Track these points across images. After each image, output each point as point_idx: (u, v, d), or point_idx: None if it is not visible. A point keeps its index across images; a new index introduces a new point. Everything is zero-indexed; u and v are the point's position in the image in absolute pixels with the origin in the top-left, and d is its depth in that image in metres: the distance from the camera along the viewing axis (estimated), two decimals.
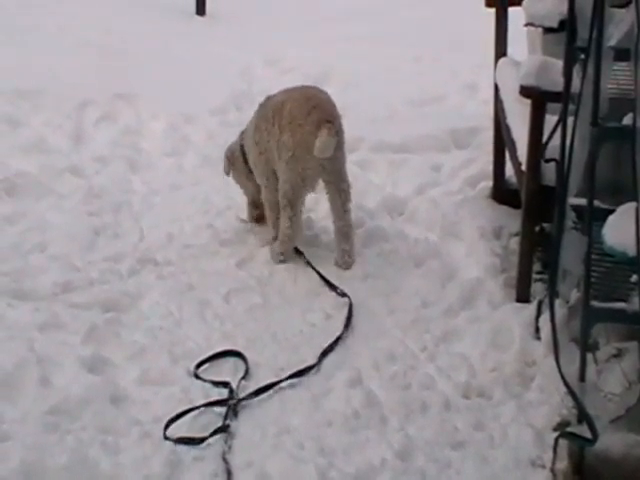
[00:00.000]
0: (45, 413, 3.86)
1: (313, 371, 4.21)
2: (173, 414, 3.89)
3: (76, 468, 3.63)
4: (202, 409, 3.98)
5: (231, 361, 4.29)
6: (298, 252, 5.07)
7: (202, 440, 3.81)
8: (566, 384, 3.52)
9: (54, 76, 6.93)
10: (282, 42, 7.84)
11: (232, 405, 3.97)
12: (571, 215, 3.94)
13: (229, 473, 3.65)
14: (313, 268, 4.92)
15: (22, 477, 3.56)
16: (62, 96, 6.64)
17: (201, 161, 6.03)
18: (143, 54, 7.56)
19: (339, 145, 4.97)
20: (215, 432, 3.84)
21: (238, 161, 5.30)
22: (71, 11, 8.45)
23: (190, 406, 3.96)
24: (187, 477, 3.66)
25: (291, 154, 4.94)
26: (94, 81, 6.90)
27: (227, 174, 5.39)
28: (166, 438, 3.81)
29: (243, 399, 4.04)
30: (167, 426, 3.85)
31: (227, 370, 4.23)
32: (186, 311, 4.62)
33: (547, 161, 4.41)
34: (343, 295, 4.71)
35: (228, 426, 3.87)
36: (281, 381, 4.14)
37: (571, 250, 3.90)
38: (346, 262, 4.99)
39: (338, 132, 4.95)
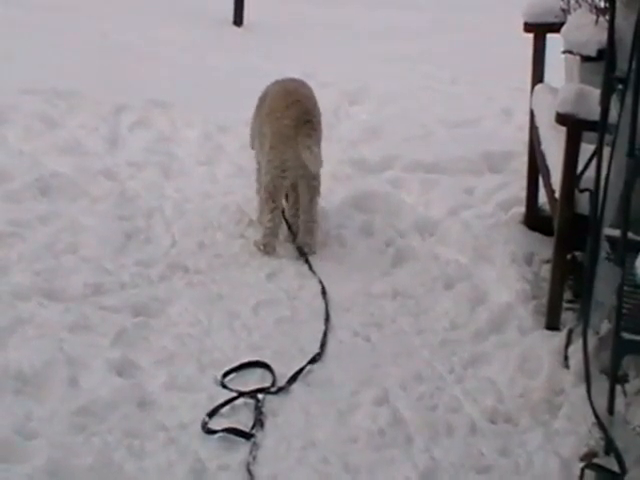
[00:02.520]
0: (72, 413, 3.88)
1: (339, 387, 4.21)
2: (210, 409, 3.96)
3: (101, 470, 3.64)
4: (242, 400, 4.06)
5: (258, 372, 4.29)
6: (302, 254, 5.13)
7: (250, 435, 3.85)
8: (595, 415, 3.51)
9: (92, 78, 6.97)
10: (318, 57, 7.86)
11: (260, 408, 4.02)
12: (605, 246, 3.93)
13: None
14: (313, 271, 4.99)
15: (47, 476, 3.57)
16: (99, 99, 6.69)
17: (234, 171, 6.04)
18: (179, 62, 7.61)
19: (317, 140, 5.06)
20: (254, 425, 3.91)
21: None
22: (111, 16, 8.50)
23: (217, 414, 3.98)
24: None
25: (270, 146, 5.08)
26: (131, 86, 6.94)
27: (252, 147, 5.51)
28: (210, 431, 3.84)
29: (282, 388, 4.14)
30: (205, 423, 3.90)
31: (254, 381, 4.24)
32: (215, 320, 4.63)
33: (582, 191, 4.42)
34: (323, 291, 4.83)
35: (254, 435, 3.88)
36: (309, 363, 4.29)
37: (603, 281, 3.90)
38: (307, 252, 5.14)
39: (316, 130, 5.07)
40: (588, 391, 3.63)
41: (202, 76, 7.35)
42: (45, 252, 5.01)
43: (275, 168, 5.11)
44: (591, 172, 4.10)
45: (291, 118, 5.05)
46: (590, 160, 4.32)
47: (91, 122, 6.46)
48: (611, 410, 3.62)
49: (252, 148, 5.55)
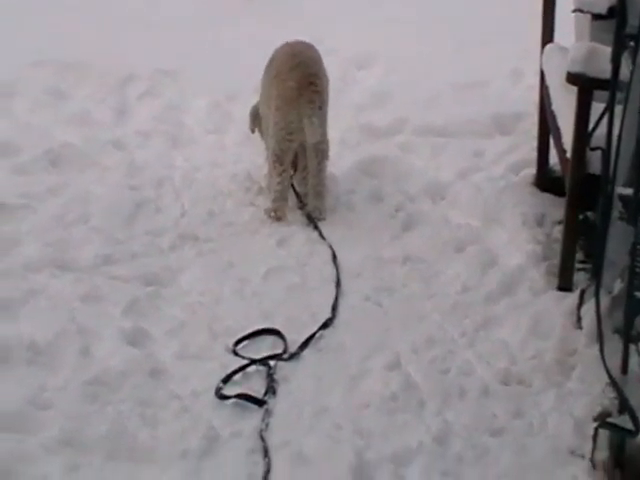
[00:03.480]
0: (85, 383, 3.90)
1: (351, 353, 4.21)
2: (222, 376, 3.98)
3: (115, 439, 3.67)
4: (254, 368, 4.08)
5: (270, 339, 4.30)
6: (311, 220, 5.13)
7: (262, 401, 3.87)
8: (609, 374, 3.50)
9: (99, 49, 6.95)
10: (327, 23, 7.80)
11: (272, 375, 4.03)
12: (617, 205, 3.91)
13: (266, 451, 3.65)
14: (323, 237, 5.00)
15: (61, 445, 3.60)
16: (107, 70, 6.67)
17: (243, 139, 6.02)
18: (187, 31, 7.56)
19: (321, 104, 5.08)
20: (267, 392, 3.93)
21: (259, 116, 5.43)
22: None
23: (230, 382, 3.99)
24: (224, 452, 3.67)
25: (275, 107, 5.08)
26: (139, 56, 6.91)
27: (252, 131, 5.53)
28: (223, 397, 3.87)
29: (294, 354, 4.16)
30: (220, 388, 3.93)
31: (265, 348, 4.24)
32: (226, 288, 4.63)
33: (593, 149, 4.39)
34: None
35: (266, 402, 3.89)
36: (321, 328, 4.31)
37: (616, 240, 3.88)
38: (317, 218, 5.13)
39: (321, 92, 5.07)
40: (601, 351, 3.62)
41: (209, 45, 7.31)
42: (56, 223, 5.02)
43: (281, 130, 5.11)
44: (602, 130, 4.08)
45: (295, 80, 5.05)
46: (601, 118, 4.29)
47: (99, 93, 6.45)
48: (625, 369, 3.60)
49: (252, 132, 5.55)
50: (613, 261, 3.93)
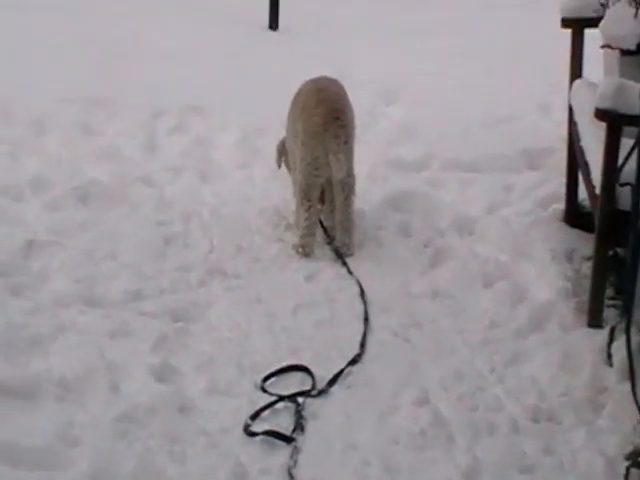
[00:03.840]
0: (114, 420, 3.91)
1: (380, 388, 4.20)
2: (251, 413, 3.99)
3: (143, 475, 3.68)
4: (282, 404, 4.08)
5: (298, 375, 4.29)
6: (339, 255, 5.13)
7: (291, 438, 3.86)
8: None
9: (128, 85, 7.01)
10: (353, 57, 7.84)
11: (301, 412, 4.02)
12: None
13: None
14: (351, 272, 5.00)
15: None
16: (136, 106, 6.72)
17: (271, 174, 6.03)
18: (216, 66, 7.62)
19: (347, 138, 5.11)
20: (295, 429, 3.92)
21: (286, 151, 5.48)
22: (148, 23, 8.54)
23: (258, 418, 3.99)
24: None
25: (302, 142, 5.13)
26: (167, 91, 6.96)
27: (279, 166, 5.57)
28: (251, 434, 3.88)
29: (322, 391, 4.15)
30: (248, 425, 3.93)
31: (294, 384, 4.23)
32: (254, 323, 4.64)
33: (622, 185, 4.38)
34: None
35: (294, 439, 3.88)
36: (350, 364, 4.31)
37: None
38: (344, 254, 5.14)
39: (347, 126, 5.12)
40: (633, 388, 3.60)
41: (238, 80, 7.36)
42: (85, 259, 5.05)
43: (308, 165, 5.14)
44: (632, 166, 4.07)
45: (320, 115, 5.08)
46: (630, 154, 4.28)
47: (129, 129, 6.49)
48: None
49: (279, 167, 5.57)
50: None
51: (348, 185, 5.20)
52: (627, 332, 3.70)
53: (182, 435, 3.88)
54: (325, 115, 5.08)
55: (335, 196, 5.25)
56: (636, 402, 3.55)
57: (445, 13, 9.14)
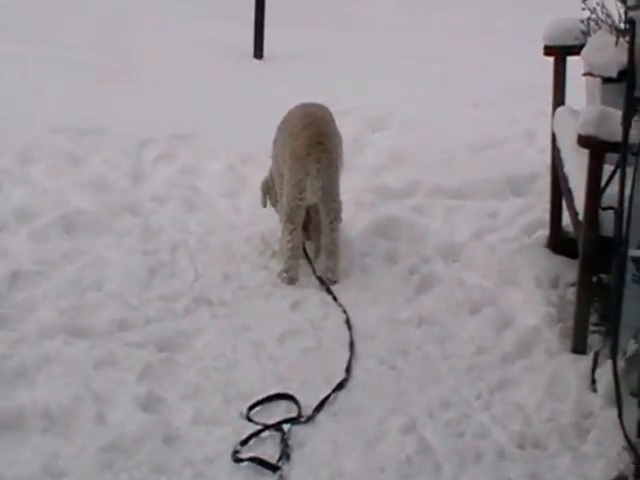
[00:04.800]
0: (100, 450, 3.89)
1: (366, 416, 4.20)
2: (237, 441, 3.99)
3: None
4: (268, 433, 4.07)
5: (284, 404, 4.28)
6: (323, 284, 5.15)
7: (276, 467, 3.86)
8: (627, 438, 3.48)
9: (114, 114, 7.02)
10: (339, 84, 7.87)
11: (287, 440, 4.02)
12: (631, 267, 3.91)
13: None
14: (336, 300, 5.00)
15: None
16: (122, 135, 6.72)
17: (257, 202, 6.03)
18: (201, 95, 7.63)
19: (329, 163, 5.15)
20: (281, 457, 3.92)
21: (271, 186, 5.49)
22: (131, 50, 8.57)
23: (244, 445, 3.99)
24: None
25: (288, 166, 5.17)
26: (153, 120, 6.98)
27: (264, 206, 5.59)
28: (238, 460, 3.88)
29: (309, 418, 4.16)
30: (237, 451, 3.93)
31: (280, 412, 4.23)
32: (240, 352, 4.63)
33: (604, 209, 4.40)
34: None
35: (280, 468, 3.87)
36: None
37: (630, 302, 3.87)
38: (329, 279, 5.16)
39: (330, 151, 5.17)
40: (619, 414, 3.60)
41: (223, 108, 7.37)
42: (70, 289, 5.04)
43: (292, 188, 5.17)
44: (613, 189, 4.09)
45: (304, 139, 5.13)
46: (611, 177, 4.31)
47: (115, 158, 6.49)
48: None
49: (264, 206, 5.59)
50: (626, 322, 3.92)
51: (334, 211, 5.23)
52: (613, 357, 3.71)
53: (168, 465, 3.87)
54: (309, 139, 5.13)
55: (321, 221, 5.28)
56: (622, 428, 3.55)
57: (430, 40, 9.20)
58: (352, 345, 4.67)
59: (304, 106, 5.43)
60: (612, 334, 3.87)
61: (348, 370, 4.49)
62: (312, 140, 5.14)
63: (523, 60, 7.37)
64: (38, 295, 4.96)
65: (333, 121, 5.38)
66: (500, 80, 7.84)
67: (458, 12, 10.20)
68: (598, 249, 4.46)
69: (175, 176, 6.38)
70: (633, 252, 3.83)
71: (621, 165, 4.05)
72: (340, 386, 4.38)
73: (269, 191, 5.55)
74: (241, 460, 3.89)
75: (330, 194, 5.20)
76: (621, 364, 4.09)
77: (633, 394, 3.88)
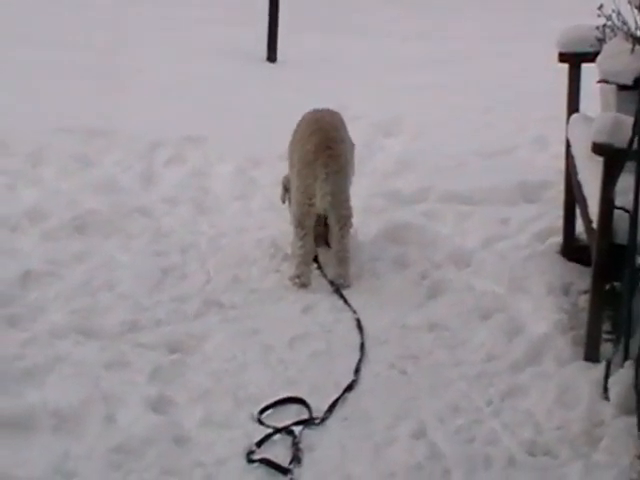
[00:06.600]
0: (110, 451, 3.90)
1: (376, 421, 4.19)
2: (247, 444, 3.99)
3: None
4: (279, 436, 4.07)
5: (294, 407, 4.28)
6: (335, 288, 5.14)
7: (287, 470, 3.85)
8: None
9: (126, 116, 7.04)
10: (351, 89, 7.88)
11: (298, 443, 4.01)
12: None
13: None
14: (347, 304, 5.00)
15: None
16: (133, 137, 6.74)
17: (268, 205, 6.05)
18: (213, 98, 7.65)
19: (338, 168, 5.14)
20: (292, 460, 3.91)
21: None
22: (146, 54, 8.59)
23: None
24: None
25: (297, 171, 5.18)
26: (165, 123, 6.99)
27: (283, 202, 5.57)
28: (251, 460, 3.88)
29: (321, 420, 4.15)
30: (252, 451, 3.94)
31: (290, 416, 4.22)
32: (250, 355, 4.63)
33: (618, 208, 4.36)
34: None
35: (291, 471, 3.87)
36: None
37: None
38: (340, 285, 5.14)
39: (339, 157, 5.15)
40: (639, 423, 3.58)
41: (236, 111, 7.38)
42: (81, 290, 5.05)
43: (302, 193, 5.17)
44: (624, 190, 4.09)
45: (313, 144, 5.14)
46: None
47: (126, 159, 6.51)
48: None
49: (282, 202, 5.57)
50: (638, 330, 3.91)
51: (344, 217, 5.22)
52: (637, 365, 3.68)
53: (178, 467, 3.87)
54: (317, 144, 5.14)
55: (331, 227, 5.26)
56: None
57: (444, 46, 9.21)
58: (362, 346, 4.67)
59: (315, 111, 5.44)
60: (626, 341, 3.85)
61: (357, 371, 4.48)
62: (320, 145, 5.14)
63: (536, 66, 7.38)
64: (49, 295, 4.97)
65: (344, 127, 5.37)
66: (512, 86, 7.84)
67: (473, 18, 10.22)
68: (611, 257, 4.45)
69: (186, 178, 6.39)
70: None
71: (637, 175, 4.04)
72: (349, 388, 4.37)
73: (289, 190, 5.52)
74: (254, 461, 3.89)
75: (339, 200, 5.19)
76: (633, 372, 4.08)
77: None
